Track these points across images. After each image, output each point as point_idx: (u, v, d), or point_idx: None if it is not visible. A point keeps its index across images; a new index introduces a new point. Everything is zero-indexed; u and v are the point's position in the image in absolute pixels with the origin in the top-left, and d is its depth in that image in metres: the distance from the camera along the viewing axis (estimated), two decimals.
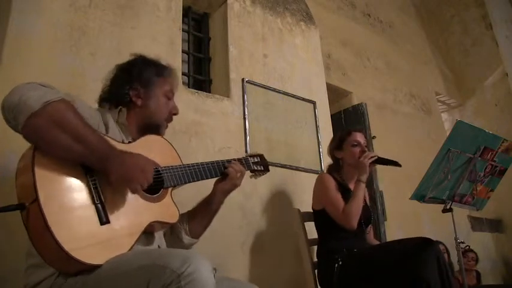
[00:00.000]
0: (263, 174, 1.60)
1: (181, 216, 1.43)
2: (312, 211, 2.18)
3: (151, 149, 1.25)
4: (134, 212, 1.11)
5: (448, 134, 1.97)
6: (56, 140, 0.99)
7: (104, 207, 1.04)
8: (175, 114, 1.41)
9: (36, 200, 0.93)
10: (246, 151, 2.39)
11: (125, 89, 1.32)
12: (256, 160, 1.57)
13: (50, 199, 0.95)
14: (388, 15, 5.09)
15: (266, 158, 1.61)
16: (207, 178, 1.36)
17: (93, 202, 1.03)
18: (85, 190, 1.03)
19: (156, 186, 1.19)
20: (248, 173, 1.54)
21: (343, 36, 4.23)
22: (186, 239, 1.39)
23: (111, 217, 1.05)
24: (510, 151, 2.01)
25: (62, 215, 0.96)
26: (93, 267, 0.98)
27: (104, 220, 1.03)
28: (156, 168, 1.21)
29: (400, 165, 1.98)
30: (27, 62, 1.77)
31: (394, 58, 4.77)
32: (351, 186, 2.09)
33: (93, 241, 0.99)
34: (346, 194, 2.02)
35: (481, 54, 5.52)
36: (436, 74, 5.51)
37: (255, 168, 1.55)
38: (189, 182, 1.30)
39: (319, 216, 2.08)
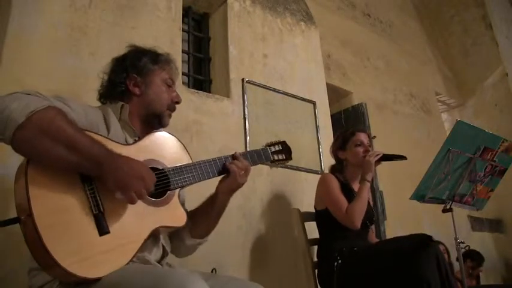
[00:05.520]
0: (285, 163, 1.50)
1: None
2: (312, 211, 2.18)
3: (158, 148, 1.20)
4: (137, 219, 1.06)
5: (448, 134, 1.97)
6: (46, 150, 0.94)
7: (103, 216, 1.00)
8: (177, 102, 1.35)
9: (30, 214, 0.90)
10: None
11: (121, 79, 1.28)
12: (277, 149, 1.47)
13: (44, 213, 0.92)
14: (388, 15, 5.09)
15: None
16: (215, 176, 1.27)
17: (92, 212, 0.98)
18: (82, 200, 0.99)
19: (162, 188, 1.14)
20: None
21: (343, 36, 4.23)
22: (188, 240, 1.33)
23: (112, 226, 1.01)
24: (510, 151, 2.00)
25: (57, 229, 0.93)
26: (93, 281, 0.95)
27: (103, 230, 0.99)
28: (163, 169, 1.16)
29: (405, 158, 1.98)
30: (27, 62, 1.77)
31: (394, 58, 4.77)
32: (354, 186, 2.09)
33: (91, 253, 0.96)
34: (349, 194, 2.02)
35: (481, 54, 5.52)
36: (436, 74, 5.51)
37: (276, 158, 1.45)
38: (200, 181, 1.22)
39: (322, 216, 2.08)
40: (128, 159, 1.03)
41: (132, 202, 1.01)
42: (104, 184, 1.00)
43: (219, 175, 1.29)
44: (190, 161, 1.25)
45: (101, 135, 1.10)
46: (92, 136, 1.03)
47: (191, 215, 1.36)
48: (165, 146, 1.23)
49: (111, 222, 1.01)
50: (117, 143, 1.12)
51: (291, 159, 1.50)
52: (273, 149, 1.45)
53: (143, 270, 1.02)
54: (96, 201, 1.00)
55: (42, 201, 0.93)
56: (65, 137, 0.96)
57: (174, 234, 1.33)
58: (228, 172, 1.29)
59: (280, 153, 1.47)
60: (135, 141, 1.19)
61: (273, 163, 1.46)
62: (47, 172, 0.96)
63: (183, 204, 1.38)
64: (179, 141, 1.28)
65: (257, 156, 1.39)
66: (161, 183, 1.14)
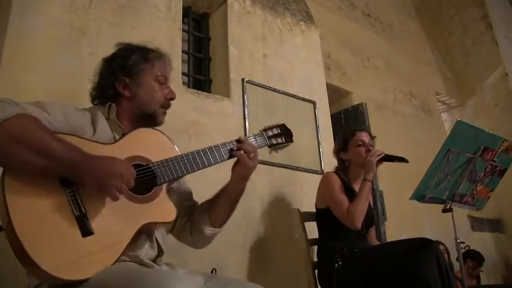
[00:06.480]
0: (286, 146, 1.47)
1: (202, 205, 1.38)
2: (312, 211, 2.18)
3: (142, 144, 1.17)
4: (121, 218, 1.05)
5: (448, 134, 1.96)
6: (15, 157, 0.94)
7: (85, 217, 0.99)
8: (171, 99, 1.31)
9: (9, 222, 0.90)
10: None
11: (109, 82, 1.25)
12: (276, 132, 1.43)
13: (23, 220, 0.91)
14: (388, 15, 5.09)
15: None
16: (211, 165, 1.24)
17: (73, 214, 0.98)
18: (63, 203, 0.98)
19: (148, 184, 1.12)
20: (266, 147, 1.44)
21: (343, 36, 4.23)
22: (208, 230, 1.32)
23: (95, 227, 0.99)
24: (510, 151, 2.00)
25: (38, 234, 0.92)
26: (79, 282, 0.95)
27: (86, 231, 0.98)
28: (148, 165, 1.14)
29: (407, 161, 1.98)
30: (27, 62, 1.77)
31: (394, 58, 4.77)
32: (356, 186, 2.08)
33: (75, 255, 0.95)
34: (350, 194, 2.02)
35: (481, 54, 5.52)
36: (436, 74, 5.51)
37: (275, 142, 1.42)
38: (188, 173, 1.20)
39: (322, 215, 2.08)
40: (104, 158, 1.02)
41: (114, 198, 0.99)
42: (83, 186, 0.99)
43: (217, 163, 1.26)
44: (177, 154, 1.22)
45: (82, 137, 1.09)
46: (66, 140, 1.01)
47: (209, 204, 1.35)
48: (149, 141, 1.20)
49: (94, 223, 1.00)
50: (99, 143, 1.10)
51: (291, 141, 1.47)
52: (270, 133, 1.42)
53: (132, 270, 1.01)
54: (77, 203, 0.99)
55: (21, 208, 0.93)
56: (36, 142, 0.95)
57: (194, 224, 1.32)
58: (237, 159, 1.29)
59: (279, 137, 1.43)
60: (119, 139, 1.16)
61: (272, 147, 1.43)
62: (25, 178, 0.96)
63: (189, 199, 1.40)
64: (165, 135, 1.25)
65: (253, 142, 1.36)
66: (146, 179, 1.12)
